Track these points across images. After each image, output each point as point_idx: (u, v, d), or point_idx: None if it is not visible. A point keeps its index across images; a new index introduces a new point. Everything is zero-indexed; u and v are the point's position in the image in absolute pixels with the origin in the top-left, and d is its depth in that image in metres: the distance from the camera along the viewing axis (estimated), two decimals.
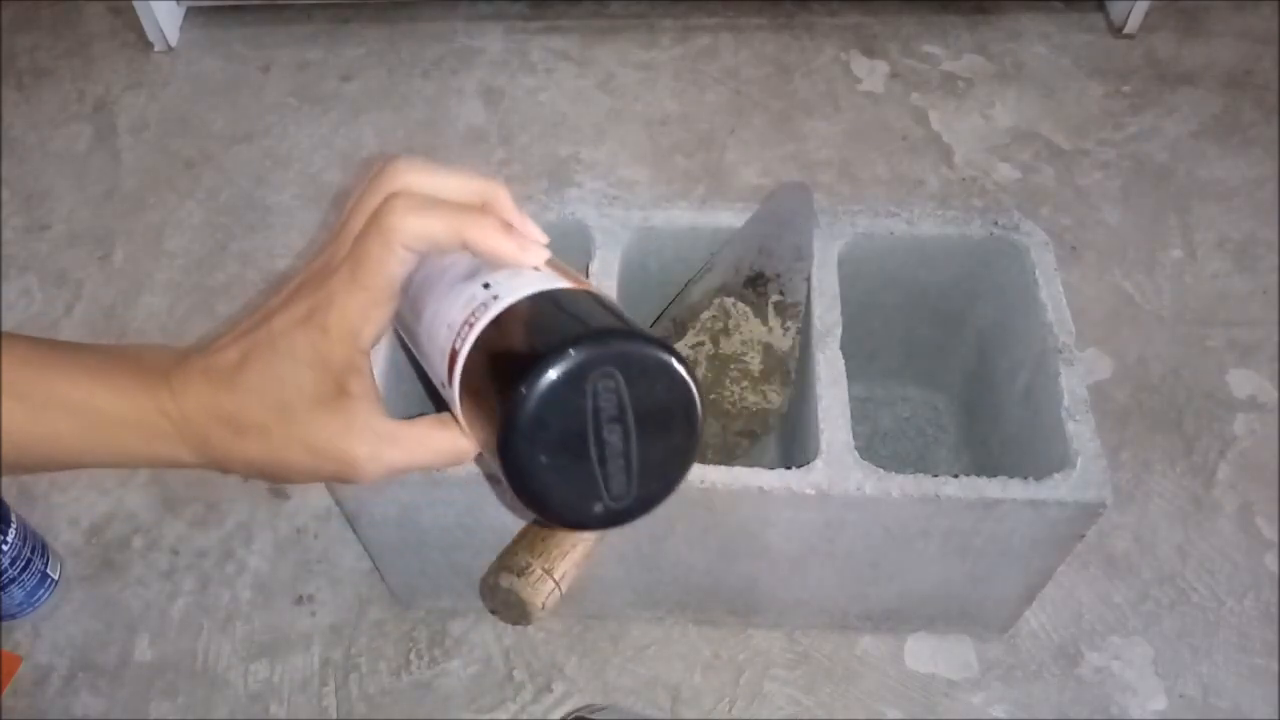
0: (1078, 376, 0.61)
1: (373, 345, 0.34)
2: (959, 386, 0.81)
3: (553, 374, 0.28)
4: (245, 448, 0.34)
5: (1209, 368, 0.88)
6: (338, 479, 0.35)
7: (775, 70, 1.14)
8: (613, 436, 0.30)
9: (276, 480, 0.36)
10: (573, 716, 0.66)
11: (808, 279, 0.66)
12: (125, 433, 0.34)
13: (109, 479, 0.83)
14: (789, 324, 0.64)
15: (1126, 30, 1.15)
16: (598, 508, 0.31)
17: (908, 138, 1.07)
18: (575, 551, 0.50)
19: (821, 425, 0.59)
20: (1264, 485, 0.81)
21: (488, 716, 0.71)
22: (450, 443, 0.35)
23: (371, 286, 0.32)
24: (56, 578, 0.77)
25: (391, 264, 0.32)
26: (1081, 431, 0.59)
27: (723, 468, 0.58)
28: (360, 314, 0.32)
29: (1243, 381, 0.87)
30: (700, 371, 0.65)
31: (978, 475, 0.57)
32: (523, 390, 0.28)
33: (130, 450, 0.34)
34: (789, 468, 0.58)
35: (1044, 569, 0.65)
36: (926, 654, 0.73)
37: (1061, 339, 0.63)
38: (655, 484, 0.32)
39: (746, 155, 1.06)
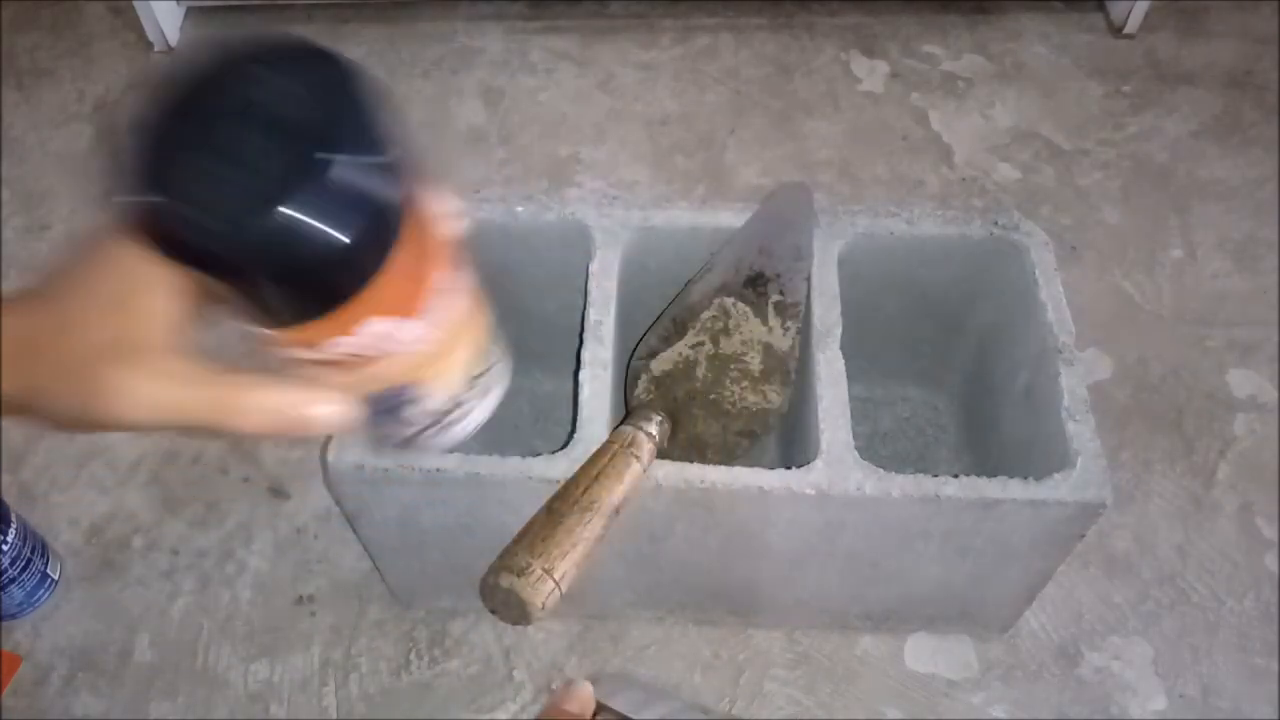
0: (1078, 376, 0.61)
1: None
2: (959, 386, 0.81)
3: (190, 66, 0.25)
4: (14, 370, 0.29)
5: (1209, 368, 0.88)
6: (84, 419, 0.29)
7: (775, 70, 1.14)
8: (239, 134, 0.25)
9: (29, 417, 0.31)
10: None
11: (808, 279, 0.66)
12: None
13: (109, 479, 0.83)
14: (789, 324, 0.64)
15: (1126, 30, 1.15)
16: (234, 216, 0.25)
17: (908, 138, 1.07)
18: (575, 551, 0.50)
19: (821, 425, 0.59)
20: (1264, 485, 0.81)
21: (488, 716, 0.71)
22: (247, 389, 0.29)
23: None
24: (56, 578, 0.77)
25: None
26: (1081, 431, 0.59)
27: (723, 468, 0.58)
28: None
29: (1243, 381, 0.87)
30: (700, 371, 0.65)
31: (978, 475, 0.57)
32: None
33: None
34: (789, 468, 0.58)
35: (1044, 569, 0.65)
36: (926, 654, 0.73)
37: (1061, 339, 0.63)
38: (309, 206, 0.25)
39: (746, 155, 1.06)
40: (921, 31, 1.18)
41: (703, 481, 0.57)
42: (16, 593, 0.74)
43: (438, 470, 0.57)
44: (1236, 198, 1.01)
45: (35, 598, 0.75)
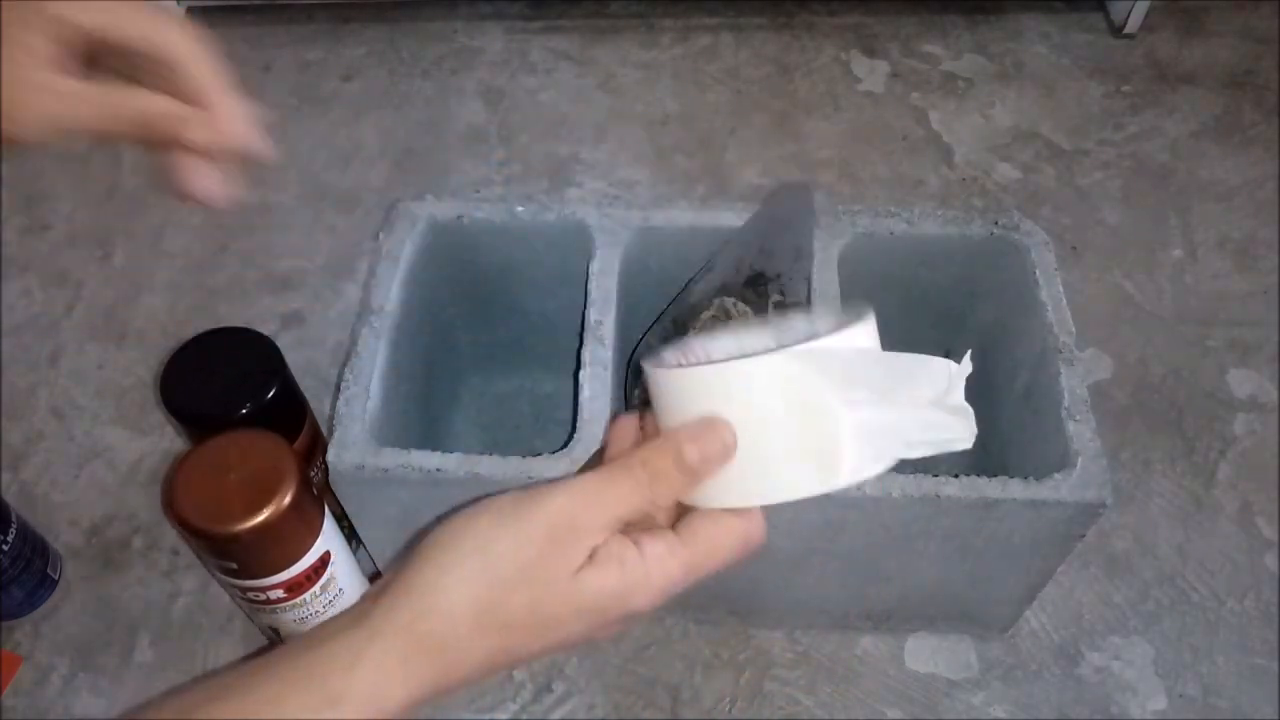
0: (1078, 376, 0.61)
1: None
2: None
3: None
4: None
5: (1209, 368, 0.88)
6: None
7: (775, 70, 1.14)
8: None
9: None
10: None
11: (808, 279, 0.66)
12: None
13: (109, 479, 0.83)
14: None
15: (1126, 30, 1.15)
16: None
17: (908, 138, 1.07)
18: None
19: None
20: (1264, 485, 0.81)
21: (488, 716, 0.71)
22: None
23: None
24: (56, 578, 0.77)
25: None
26: (1081, 431, 0.59)
27: None
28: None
29: (1243, 381, 0.87)
30: None
31: (978, 475, 0.57)
32: None
33: None
34: None
35: (1044, 569, 0.65)
36: (926, 654, 0.73)
37: (1061, 339, 0.63)
38: None
39: (746, 155, 1.06)
40: (921, 31, 1.18)
41: None
42: (16, 593, 0.74)
43: (438, 470, 0.57)
44: (1236, 198, 1.01)
45: (35, 598, 0.75)
